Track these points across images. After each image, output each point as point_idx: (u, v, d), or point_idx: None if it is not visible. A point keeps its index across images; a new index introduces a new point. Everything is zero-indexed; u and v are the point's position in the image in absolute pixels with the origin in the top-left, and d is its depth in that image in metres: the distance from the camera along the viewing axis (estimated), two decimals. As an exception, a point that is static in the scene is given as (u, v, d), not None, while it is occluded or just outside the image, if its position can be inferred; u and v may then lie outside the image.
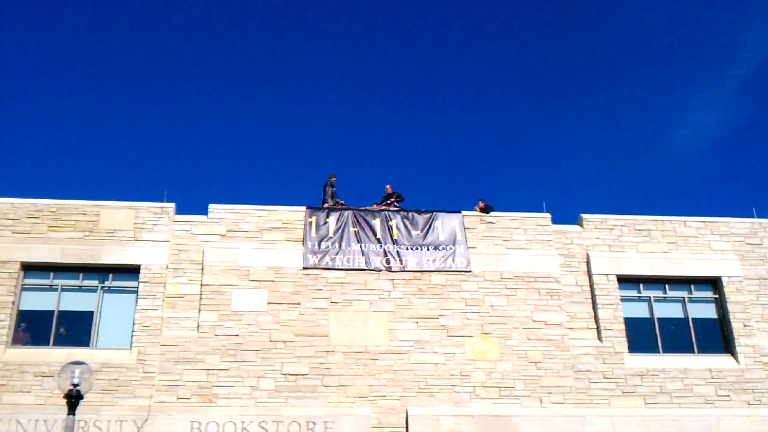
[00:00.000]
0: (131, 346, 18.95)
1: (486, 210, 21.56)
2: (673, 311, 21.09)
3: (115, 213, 20.31)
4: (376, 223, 21.08)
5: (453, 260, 20.61)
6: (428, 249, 20.74)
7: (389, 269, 20.35)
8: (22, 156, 51.16)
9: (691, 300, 21.20)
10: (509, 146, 56.76)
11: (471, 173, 53.71)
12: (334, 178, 22.24)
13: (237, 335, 19.21)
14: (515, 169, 56.01)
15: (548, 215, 21.61)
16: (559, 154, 56.19)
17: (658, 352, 20.39)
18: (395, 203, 21.87)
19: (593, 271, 20.84)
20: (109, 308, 19.62)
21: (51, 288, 19.65)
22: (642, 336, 20.53)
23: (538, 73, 57.01)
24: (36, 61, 52.32)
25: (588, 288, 20.80)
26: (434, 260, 20.59)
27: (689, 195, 53.63)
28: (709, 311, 21.17)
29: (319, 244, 20.44)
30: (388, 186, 22.39)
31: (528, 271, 20.70)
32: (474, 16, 56.30)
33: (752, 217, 22.23)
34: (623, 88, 56.10)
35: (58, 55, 53.19)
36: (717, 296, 21.23)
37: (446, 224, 21.16)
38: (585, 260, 21.11)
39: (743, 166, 55.92)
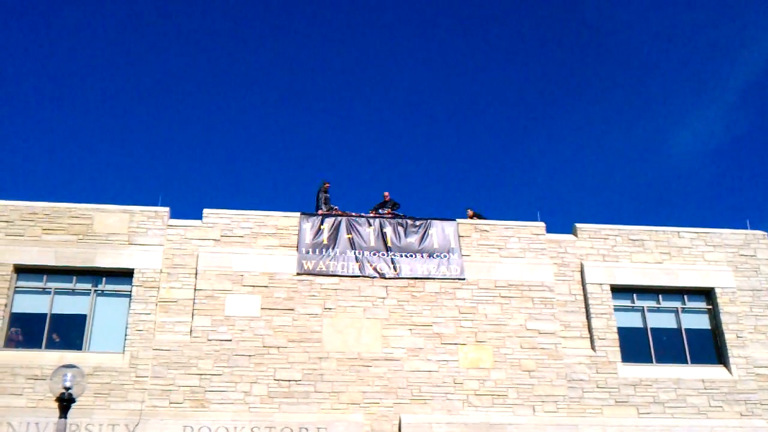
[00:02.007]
0: (124, 350, 18.89)
1: (475, 218, 21.60)
2: (666, 321, 21.11)
3: (109, 217, 20.27)
4: (371, 229, 21.08)
5: (447, 268, 20.61)
6: (422, 256, 20.74)
7: (383, 276, 20.33)
8: (17, 158, 51.08)
9: (684, 310, 21.23)
10: (504, 154, 56.96)
11: (466, 181, 53.84)
12: (328, 185, 22.26)
13: (230, 340, 19.16)
14: (510, 178, 56.20)
15: (542, 224, 21.64)
16: (554, 162, 56.39)
17: (652, 362, 20.40)
18: (391, 210, 21.85)
19: (587, 280, 20.87)
20: (102, 312, 19.56)
21: (44, 291, 19.59)
22: (635, 346, 20.53)
23: (535, 79, 57.26)
24: (31, 63, 52.31)
25: (582, 297, 20.83)
26: (428, 267, 20.58)
27: (684, 205, 53.82)
28: (703, 322, 21.21)
29: (313, 250, 20.43)
30: (386, 193, 22.41)
31: (522, 280, 20.71)
32: (468, 23, 56.52)
33: (746, 228, 22.31)
34: (620, 97, 56.38)
35: (53, 57, 53.18)
36: (710, 307, 21.26)
37: (441, 232, 21.16)
38: (579, 269, 21.12)
39: (738, 178, 56.16)
